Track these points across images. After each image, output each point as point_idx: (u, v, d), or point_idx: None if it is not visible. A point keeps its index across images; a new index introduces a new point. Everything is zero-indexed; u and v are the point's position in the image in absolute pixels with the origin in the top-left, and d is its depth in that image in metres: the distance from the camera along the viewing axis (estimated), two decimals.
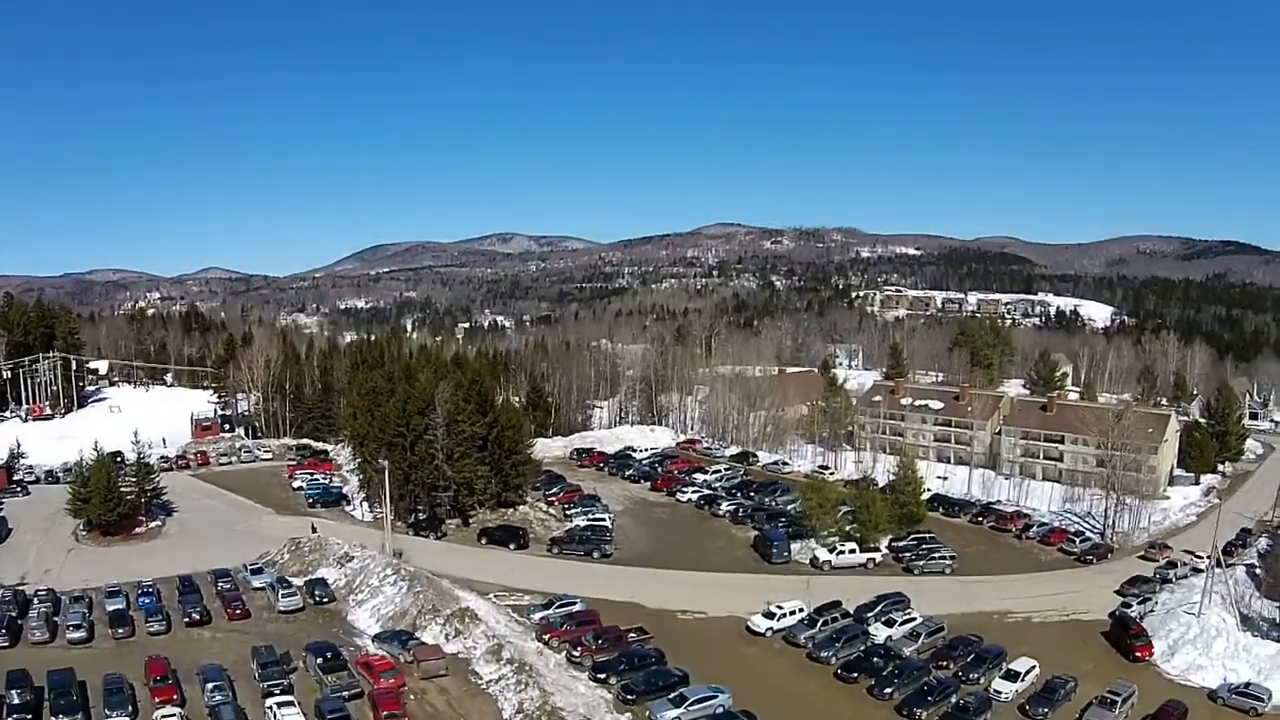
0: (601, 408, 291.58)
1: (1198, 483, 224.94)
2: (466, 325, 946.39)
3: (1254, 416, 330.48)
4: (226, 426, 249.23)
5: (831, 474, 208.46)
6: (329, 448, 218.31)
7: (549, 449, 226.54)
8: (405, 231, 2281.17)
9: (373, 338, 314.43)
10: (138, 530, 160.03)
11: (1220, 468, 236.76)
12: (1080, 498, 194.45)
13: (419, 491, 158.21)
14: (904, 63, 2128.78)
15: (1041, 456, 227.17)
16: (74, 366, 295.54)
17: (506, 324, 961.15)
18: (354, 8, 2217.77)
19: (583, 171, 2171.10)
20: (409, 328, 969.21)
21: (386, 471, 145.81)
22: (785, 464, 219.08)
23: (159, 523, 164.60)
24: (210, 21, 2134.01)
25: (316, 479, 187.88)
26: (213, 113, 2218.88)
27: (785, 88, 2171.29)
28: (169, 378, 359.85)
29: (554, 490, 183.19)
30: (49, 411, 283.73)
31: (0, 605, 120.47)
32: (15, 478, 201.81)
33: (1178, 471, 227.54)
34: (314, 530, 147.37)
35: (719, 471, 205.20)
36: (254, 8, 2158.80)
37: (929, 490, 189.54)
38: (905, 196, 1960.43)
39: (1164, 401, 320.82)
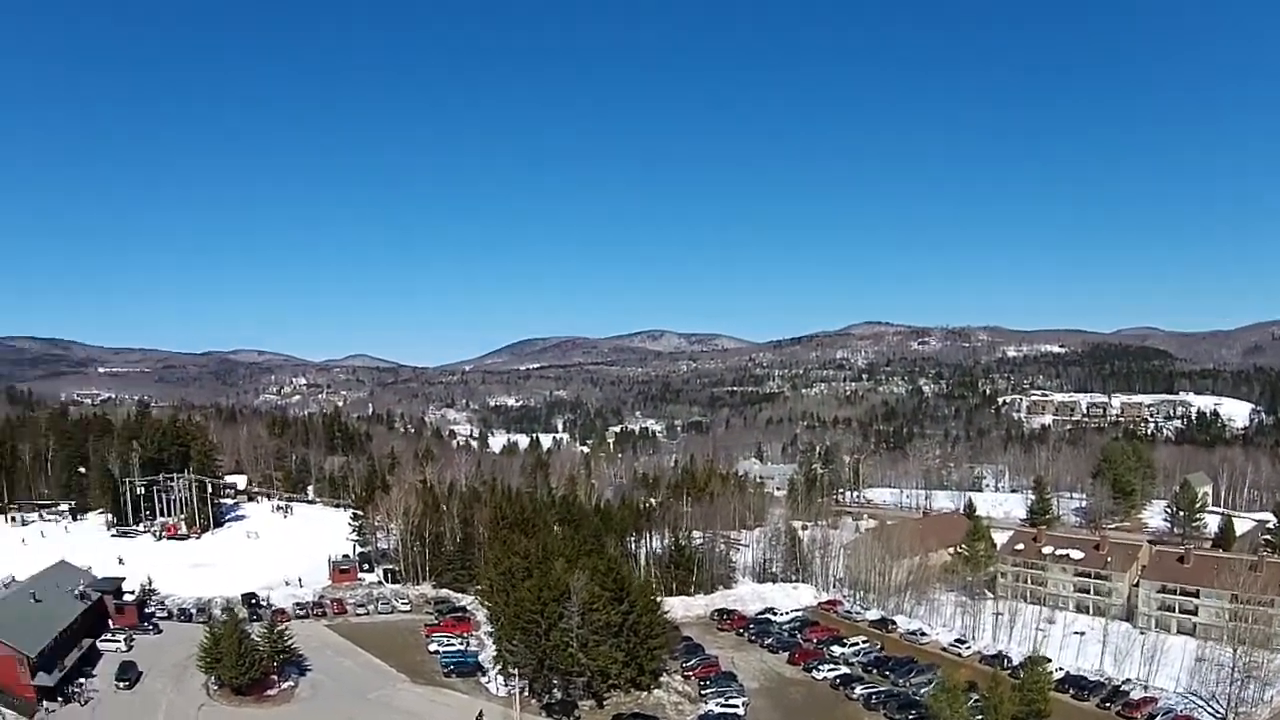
0: (746, 547, 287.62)
1: None
2: (618, 429, 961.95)
3: None
4: (365, 566, 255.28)
5: (967, 648, 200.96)
6: (468, 601, 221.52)
7: (691, 608, 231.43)
8: (556, 326, 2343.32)
9: (515, 488, 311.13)
10: (270, 692, 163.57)
11: None
12: (1212, 662, 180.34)
13: (553, 675, 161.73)
14: (1043, 152, 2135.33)
15: (1177, 610, 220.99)
16: (209, 489, 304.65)
17: (657, 429, 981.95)
18: (509, 104, 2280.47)
19: (734, 267, 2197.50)
20: (560, 428, 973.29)
21: (518, 691, 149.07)
22: (924, 634, 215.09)
23: (291, 683, 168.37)
24: (376, 114, 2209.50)
25: (453, 644, 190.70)
26: (369, 202, 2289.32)
27: (931, 180, 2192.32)
28: (310, 490, 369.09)
29: (691, 663, 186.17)
30: (184, 530, 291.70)
31: None
32: (147, 610, 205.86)
33: None
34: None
35: (856, 645, 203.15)
36: (420, 108, 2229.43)
37: (1060, 670, 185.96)
38: (1048, 289, 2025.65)
39: None
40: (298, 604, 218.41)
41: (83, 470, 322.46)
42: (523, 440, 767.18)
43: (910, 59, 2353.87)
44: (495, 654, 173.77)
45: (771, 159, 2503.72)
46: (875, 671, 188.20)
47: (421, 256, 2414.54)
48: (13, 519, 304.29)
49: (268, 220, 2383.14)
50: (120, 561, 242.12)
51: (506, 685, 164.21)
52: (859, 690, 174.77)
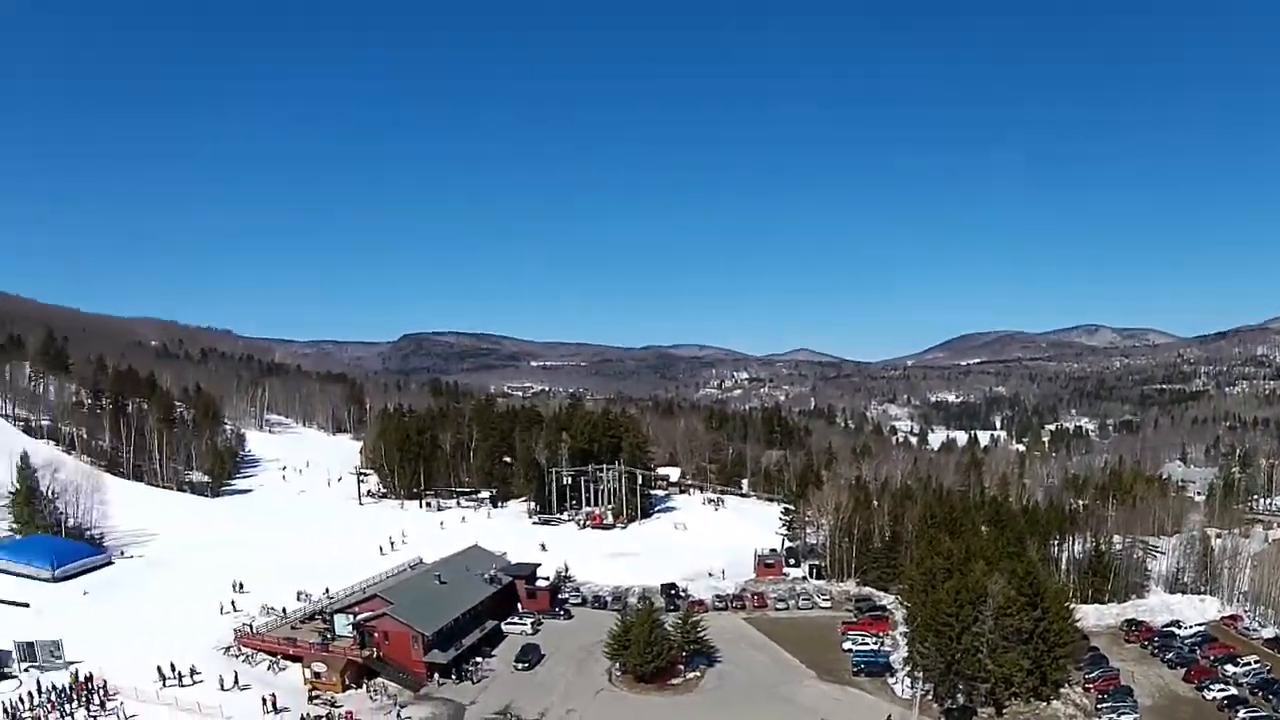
0: (1163, 554, 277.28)
1: None
2: (1052, 428, 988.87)
3: None
4: (792, 561, 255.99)
5: None
6: (889, 600, 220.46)
7: (1103, 617, 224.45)
8: (994, 320, 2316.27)
9: (947, 486, 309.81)
10: (673, 680, 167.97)
11: None
12: None
13: (958, 680, 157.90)
14: None
15: None
16: (639, 480, 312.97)
17: (1090, 427, 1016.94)
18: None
19: (1167, 255, 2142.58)
20: (997, 425, 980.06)
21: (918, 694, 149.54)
22: None
23: (697, 674, 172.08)
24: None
25: (867, 643, 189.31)
26: (808, 200, 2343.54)
27: None
28: (745, 484, 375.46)
29: (1094, 675, 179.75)
30: (609, 520, 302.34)
31: None
32: (560, 597, 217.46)
33: None
34: None
35: (1248, 664, 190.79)
36: None
37: None
38: None
39: None
40: (718, 596, 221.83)
41: (508, 460, 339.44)
42: (961, 437, 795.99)
43: None
44: (906, 655, 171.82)
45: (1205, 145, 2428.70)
46: (1260, 694, 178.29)
47: (863, 251, 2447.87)
48: (428, 504, 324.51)
49: (709, 220, 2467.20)
50: (543, 548, 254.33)
51: (912, 688, 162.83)
52: (1242, 714, 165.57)
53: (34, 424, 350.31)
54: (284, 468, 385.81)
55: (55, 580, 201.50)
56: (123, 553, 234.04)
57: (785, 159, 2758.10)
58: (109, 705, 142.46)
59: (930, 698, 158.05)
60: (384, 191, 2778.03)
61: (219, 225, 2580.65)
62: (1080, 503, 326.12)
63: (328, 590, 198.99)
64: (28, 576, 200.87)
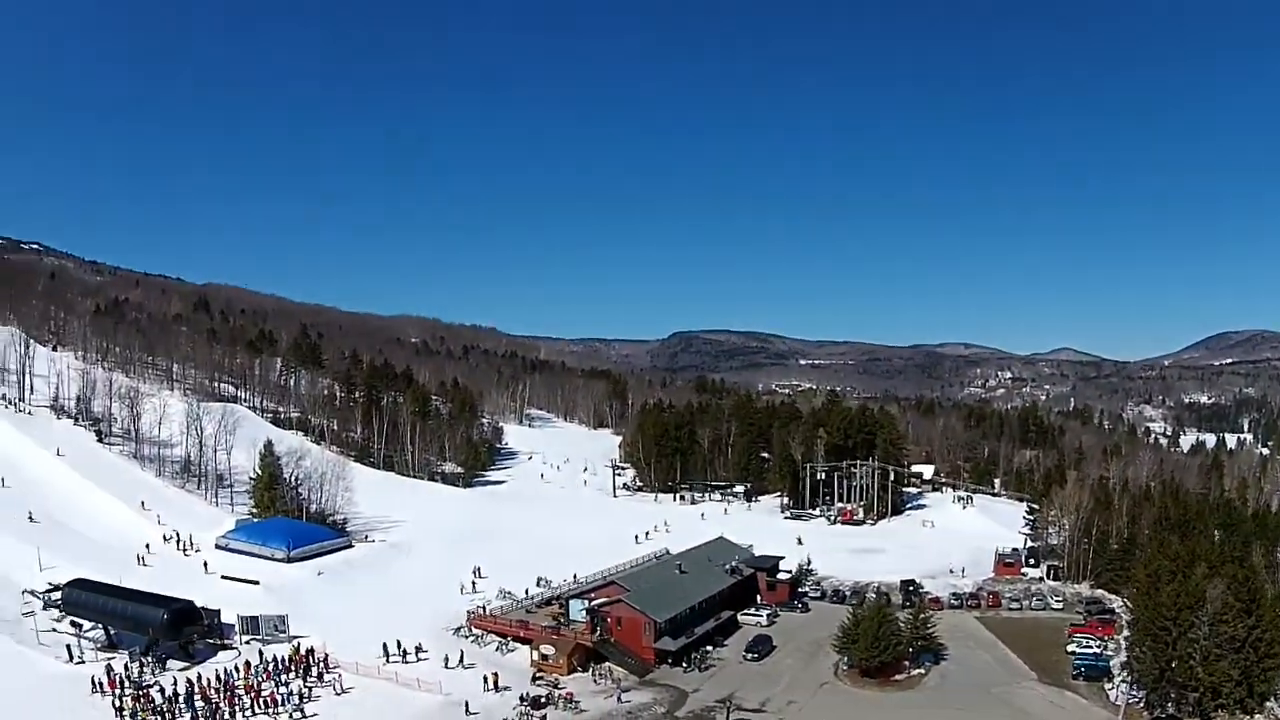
0: None
1: None
2: None
3: None
4: (1031, 561, 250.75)
5: None
6: (1118, 603, 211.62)
7: None
8: (1251, 318, 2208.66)
9: (1187, 489, 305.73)
10: (897, 676, 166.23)
11: None
12: None
13: (1170, 688, 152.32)
14: None
15: None
16: (892, 477, 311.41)
17: None
18: None
19: None
20: (1245, 428, 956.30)
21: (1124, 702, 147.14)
22: None
23: (922, 670, 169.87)
24: None
25: (1090, 646, 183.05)
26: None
27: None
28: (997, 483, 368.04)
29: None
30: (860, 516, 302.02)
31: None
32: (800, 590, 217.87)
33: None
34: None
35: None
36: None
37: None
38: None
39: None
40: (954, 594, 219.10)
41: (764, 455, 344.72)
42: (1210, 439, 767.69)
43: None
44: (1125, 660, 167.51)
45: None
46: None
47: (1123, 244, 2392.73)
48: (682, 497, 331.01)
49: (977, 221, 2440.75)
50: (800, 542, 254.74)
51: (1125, 694, 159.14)
52: None
53: (283, 416, 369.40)
54: (530, 457, 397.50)
55: (290, 561, 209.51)
56: (366, 537, 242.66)
57: (1050, 164, 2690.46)
58: (326, 677, 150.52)
59: (1142, 705, 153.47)
60: (660, 195, 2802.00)
61: (488, 230, 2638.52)
62: None
63: (575, 576, 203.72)
64: (263, 557, 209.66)
